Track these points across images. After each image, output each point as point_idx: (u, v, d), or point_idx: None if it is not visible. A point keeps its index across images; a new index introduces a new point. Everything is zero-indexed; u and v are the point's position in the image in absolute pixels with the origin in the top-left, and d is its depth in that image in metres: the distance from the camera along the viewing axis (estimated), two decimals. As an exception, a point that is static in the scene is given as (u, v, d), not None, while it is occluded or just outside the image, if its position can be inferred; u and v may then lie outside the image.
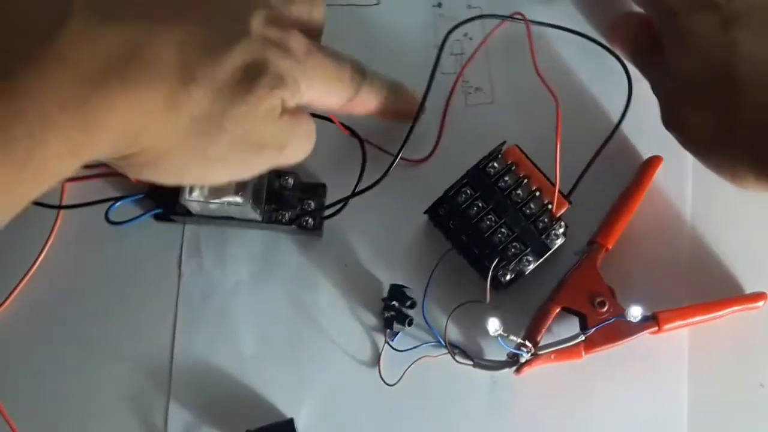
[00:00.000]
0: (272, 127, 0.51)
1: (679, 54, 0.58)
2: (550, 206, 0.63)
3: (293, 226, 0.65)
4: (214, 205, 0.61)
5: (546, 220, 0.63)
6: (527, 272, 0.63)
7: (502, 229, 0.62)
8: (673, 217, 0.68)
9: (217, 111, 0.47)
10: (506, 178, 0.63)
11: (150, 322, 0.66)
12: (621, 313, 0.63)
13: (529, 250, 0.63)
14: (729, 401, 0.66)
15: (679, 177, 0.69)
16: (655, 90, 0.62)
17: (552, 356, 0.63)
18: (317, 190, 0.67)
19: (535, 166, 0.63)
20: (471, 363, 0.64)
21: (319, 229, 0.66)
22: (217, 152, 0.49)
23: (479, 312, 0.63)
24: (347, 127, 0.62)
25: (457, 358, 0.64)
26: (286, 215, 0.65)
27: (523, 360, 0.63)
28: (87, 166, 0.48)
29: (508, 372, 0.64)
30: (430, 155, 0.68)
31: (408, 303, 0.65)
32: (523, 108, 0.69)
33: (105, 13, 0.43)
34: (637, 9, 0.66)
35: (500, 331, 0.61)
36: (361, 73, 0.58)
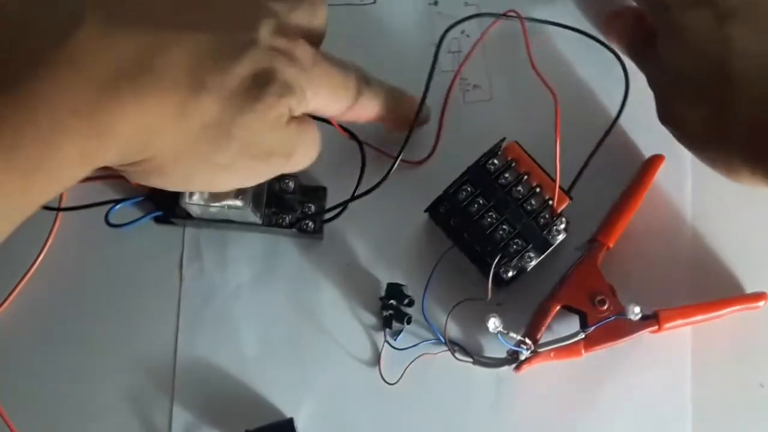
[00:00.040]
0: (280, 134, 0.51)
1: (672, 48, 0.59)
2: (550, 202, 0.63)
3: (294, 229, 0.65)
4: (215, 209, 0.61)
5: (547, 216, 0.63)
6: (529, 268, 0.63)
7: (504, 226, 0.62)
8: (674, 217, 0.68)
9: (226, 118, 0.47)
10: (506, 175, 0.63)
11: (151, 324, 0.66)
12: (621, 312, 0.62)
13: (530, 246, 0.63)
14: (730, 401, 0.66)
15: (680, 176, 0.69)
16: (651, 84, 0.62)
17: (552, 354, 0.63)
18: (317, 193, 0.67)
19: (535, 162, 0.63)
20: (471, 360, 0.64)
21: (319, 232, 0.66)
22: (226, 159, 0.50)
23: (479, 309, 0.63)
24: (346, 130, 0.61)
25: (457, 355, 0.64)
26: (287, 219, 0.65)
27: (522, 357, 0.63)
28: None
29: (508, 370, 0.64)
30: (429, 156, 0.68)
31: (406, 301, 0.65)
32: (522, 104, 0.69)
33: (117, 19, 0.44)
34: (632, 3, 0.66)
35: (500, 328, 0.61)
36: (365, 81, 0.58)
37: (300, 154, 0.55)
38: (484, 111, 0.69)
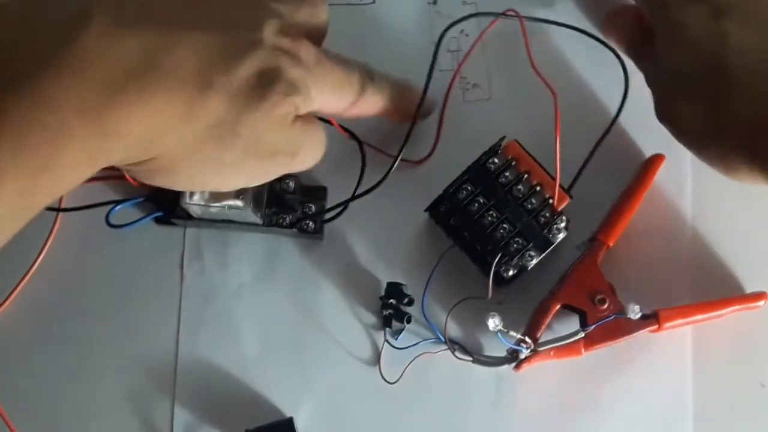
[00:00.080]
0: (285, 133, 0.52)
1: (669, 45, 0.59)
2: (551, 201, 0.63)
3: (294, 229, 0.65)
4: (215, 209, 0.61)
5: (547, 214, 0.63)
6: (530, 267, 0.63)
7: (504, 225, 0.62)
8: (674, 216, 0.68)
9: (232, 118, 0.48)
10: (507, 174, 0.63)
11: (152, 324, 0.67)
12: (621, 311, 0.62)
13: (531, 245, 0.63)
14: (730, 401, 0.66)
15: (680, 176, 0.69)
16: (649, 82, 0.62)
17: (552, 353, 0.63)
18: (318, 193, 0.67)
19: (535, 160, 0.63)
20: (471, 359, 0.64)
21: (319, 232, 0.66)
22: (231, 159, 0.50)
23: (479, 308, 0.63)
24: (346, 130, 0.62)
25: (457, 354, 0.64)
26: (287, 219, 0.65)
27: (522, 356, 0.63)
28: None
29: (508, 368, 0.64)
30: (429, 155, 0.68)
31: (406, 300, 0.65)
32: (521, 103, 0.69)
33: (123, 20, 0.44)
34: (631, 1, 0.66)
35: (500, 327, 0.61)
36: (369, 77, 0.59)
37: (305, 153, 0.55)
38: (483, 110, 0.70)
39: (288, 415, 0.65)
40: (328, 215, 0.66)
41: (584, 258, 0.65)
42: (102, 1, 0.44)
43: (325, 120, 0.58)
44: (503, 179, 0.63)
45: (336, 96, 0.56)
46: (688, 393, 0.66)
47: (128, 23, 0.44)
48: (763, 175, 0.56)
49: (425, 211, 0.65)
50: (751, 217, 0.69)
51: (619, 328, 0.63)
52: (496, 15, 0.68)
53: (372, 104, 0.60)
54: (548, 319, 0.64)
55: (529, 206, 0.63)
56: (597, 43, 0.66)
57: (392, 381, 0.65)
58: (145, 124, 0.45)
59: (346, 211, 0.65)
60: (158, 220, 0.67)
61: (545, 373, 0.65)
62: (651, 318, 0.63)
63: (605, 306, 0.63)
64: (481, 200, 0.63)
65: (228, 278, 0.67)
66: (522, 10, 0.66)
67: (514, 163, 0.63)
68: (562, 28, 0.68)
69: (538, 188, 0.63)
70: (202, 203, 0.60)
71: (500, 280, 0.63)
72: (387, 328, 0.65)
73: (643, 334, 0.64)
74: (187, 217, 0.65)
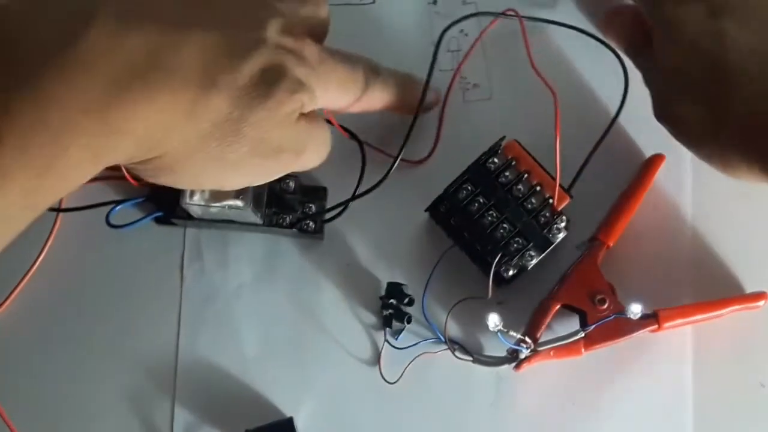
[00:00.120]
0: (290, 131, 0.52)
1: (667, 45, 0.59)
2: (551, 201, 0.63)
3: (294, 229, 0.65)
4: (215, 209, 0.61)
5: (547, 214, 0.63)
6: (530, 267, 0.63)
7: (504, 225, 0.62)
8: (674, 216, 0.68)
9: (236, 116, 0.48)
10: (507, 174, 0.63)
11: (152, 324, 0.67)
12: (621, 311, 0.62)
13: (531, 245, 0.63)
14: (730, 401, 0.66)
15: (680, 176, 0.68)
16: (647, 82, 0.62)
17: (551, 353, 0.63)
18: (318, 193, 0.67)
19: (535, 160, 0.64)
20: (471, 359, 0.64)
21: (320, 232, 0.66)
22: (236, 157, 0.50)
23: (479, 308, 0.63)
24: (346, 130, 0.62)
25: (457, 354, 0.64)
26: (287, 219, 0.65)
27: (522, 356, 0.63)
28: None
29: (508, 368, 0.64)
30: (429, 155, 0.68)
31: (406, 300, 0.65)
32: (521, 103, 0.69)
33: (128, 18, 0.44)
34: (630, 1, 0.66)
35: (500, 327, 0.61)
36: (373, 72, 0.59)
37: (311, 151, 0.55)
38: (483, 110, 0.70)
39: (288, 415, 0.64)
40: (328, 215, 0.66)
41: (584, 258, 0.65)
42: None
43: (325, 120, 0.58)
44: (503, 179, 0.63)
45: (341, 93, 0.56)
46: (688, 393, 0.66)
47: (132, 22, 0.44)
48: (762, 174, 0.55)
49: (425, 211, 0.65)
50: (751, 217, 0.69)
51: (619, 328, 0.63)
52: (496, 15, 0.68)
53: (377, 99, 0.60)
54: (548, 319, 0.64)
55: (529, 206, 0.63)
56: (597, 43, 0.66)
57: (392, 381, 0.65)
58: (150, 122, 0.45)
59: (346, 211, 0.65)
60: (158, 220, 0.67)
61: (545, 373, 0.65)
62: (651, 318, 0.63)
63: (605, 306, 0.63)
64: (481, 200, 0.63)
65: (228, 278, 0.67)
66: (522, 10, 0.66)
67: (514, 163, 0.63)
68: (562, 28, 0.68)
69: (538, 188, 0.63)
70: (203, 203, 0.60)
71: (500, 280, 0.63)
72: (387, 328, 0.65)
73: (643, 334, 0.64)
74: (187, 217, 0.65)
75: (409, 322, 0.65)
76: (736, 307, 0.65)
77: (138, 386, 0.66)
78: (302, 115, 0.52)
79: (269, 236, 0.67)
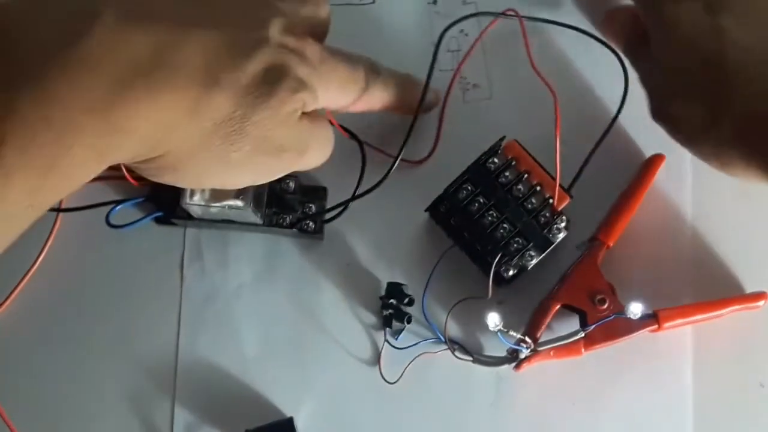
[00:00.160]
0: (293, 130, 0.52)
1: (665, 44, 0.58)
2: (551, 201, 0.63)
3: (294, 229, 0.65)
4: (215, 209, 0.61)
5: (547, 214, 0.63)
6: (530, 267, 0.63)
7: (504, 225, 0.63)
8: (674, 216, 0.68)
9: (239, 115, 0.48)
10: (507, 174, 0.63)
11: (152, 324, 0.67)
12: (621, 311, 0.62)
13: (531, 245, 0.63)
14: (730, 401, 0.66)
15: (680, 176, 0.68)
16: (643, 82, 0.62)
17: (551, 353, 0.63)
18: (318, 193, 0.67)
19: (535, 160, 0.64)
20: (471, 359, 0.64)
21: (320, 232, 0.66)
22: (239, 156, 0.50)
23: (479, 308, 0.63)
24: (346, 130, 0.62)
25: (457, 354, 0.64)
26: (287, 219, 0.65)
27: (522, 356, 0.63)
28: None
29: (508, 368, 0.64)
30: (429, 155, 0.68)
31: (406, 300, 0.65)
32: (522, 103, 0.69)
33: (131, 17, 0.44)
34: (629, 1, 0.66)
35: (500, 327, 0.61)
36: (374, 72, 0.59)
37: (314, 150, 0.55)
38: (483, 110, 0.70)
39: (288, 415, 0.65)
40: (328, 215, 0.66)
41: (584, 258, 0.65)
42: None
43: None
44: (503, 179, 0.63)
45: (341, 92, 0.56)
46: (688, 393, 0.66)
47: (135, 21, 0.44)
48: (760, 172, 0.55)
49: (425, 211, 0.65)
50: (751, 217, 0.68)
51: (619, 328, 0.63)
52: (496, 15, 0.68)
53: (377, 99, 0.60)
54: (548, 319, 0.64)
55: (529, 206, 0.63)
56: (597, 43, 0.66)
57: (392, 381, 0.65)
58: (153, 121, 0.45)
59: (346, 211, 0.65)
60: (158, 220, 0.67)
61: (545, 373, 0.65)
62: (651, 318, 0.63)
63: (605, 306, 0.63)
64: (481, 200, 0.63)
65: (228, 278, 0.67)
66: (522, 10, 0.66)
67: (514, 163, 0.63)
68: (562, 28, 0.68)
69: (538, 188, 0.63)
70: (203, 203, 0.60)
71: (500, 280, 0.63)
72: (387, 328, 0.65)
73: (643, 334, 0.64)
74: (188, 217, 0.65)
75: (409, 322, 0.65)
76: (736, 307, 0.65)
77: (138, 386, 0.66)
78: (304, 114, 0.52)
79: (269, 236, 0.67)
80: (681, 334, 0.66)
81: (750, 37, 0.55)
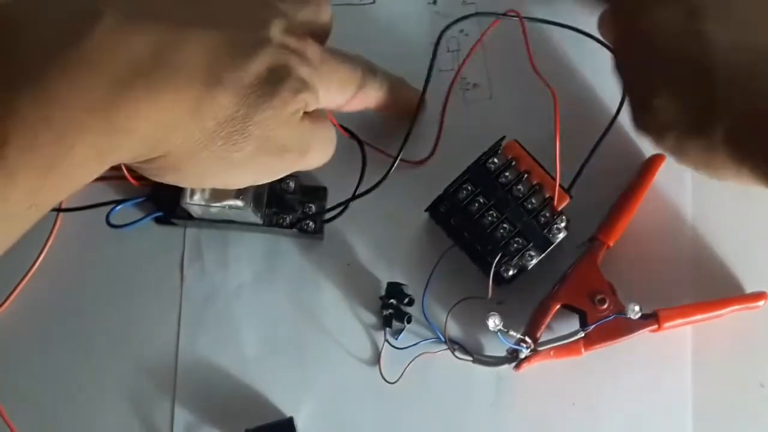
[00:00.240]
0: (295, 130, 0.52)
1: (647, 52, 0.57)
2: (551, 200, 0.63)
3: (294, 229, 0.65)
4: (215, 209, 0.61)
5: (547, 214, 0.63)
6: (530, 267, 0.63)
7: (504, 225, 0.63)
8: (674, 216, 0.68)
9: (242, 115, 0.48)
10: (507, 174, 0.63)
11: (152, 324, 0.67)
12: (621, 311, 0.62)
13: (531, 244, 0.63)
14: (730, 401, 0.66)
15: (680, 176, 0.68)
16: (627, 90, 0.61)
17: (551, 353, 0.63)
18: (318, 193, 0.67)
19: (535, 160, 0.64)
20: (471, 359, 0.64)
21: (320, 232, 0.66)
22: (241, 156, 0.50)
23: (479, 308, 0.63)
24: (346, 129, 0.62)
25: (457, 354, 0.64)
26: (287, 219, 0.65)
27: (522, 356, 0.63)
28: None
29: (508, 368, 0.64)
30: (429, 155, 0.68)
31: (406, 300, 0.65)
32: (521, 103, 0.69)
33: (132, 16, 0.44)
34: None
35: (500, 327, 0.61)
36: (370, 72, 0.59)
37: (315, 150, 0.55)
38: (484, 110, 0.70)
39: (288, 415, 0.65)
40: (328, 215, 0.66)
41: (584, 258, 0.65)
42: None
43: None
44: (503, 179, 0.63)
45: (341, 93, 0.57)
46: (688, 393, 0.66)
47: (136, 21, 0.44)
48: (752, 174, 0.54)
49: (425, 211, 0.65)
50: (751, 217, 0.69)
51: (619, 328, 0.63)
52: (497, 15, 0.68)
53: (372, 98, 0.60)
54: (548, 319, 0.64)
55: (529, 206, 0.63)
56: (597, 44, 0.66)
57: (392, 381, 0.65)
58: (153, 121, 0.45)
59: (346, 211, 0.65)
60: (158, 220, 0.67)
61: (545, 373, 0.65)
62: (651, 318, 0.63)
63: (605, 306, 0.63)
64: (481, 200, 0.63)
65: (228, 278, 0.67)
66: (522, 10, 0.67)
67: (514, 163, 0.63)
68: (562, 29, 0.68)
69: (538, 188, 0.63)
70: (203, 203, 0.60)
71: (500, 280, 0.63)
72: (387, 328, 0.65)
73: (643, 334, 0.64)
74: (188, 217, 0.65)
75: (409, 322, 0.65)
76: (736, 307, 0.65)
77: (138, 386, 0.66)
78: (306, 114, 0.52)
79: (269, 236, 0.67)
80: (681, 334, 0.66)
81: (733, 39, 0.54)
